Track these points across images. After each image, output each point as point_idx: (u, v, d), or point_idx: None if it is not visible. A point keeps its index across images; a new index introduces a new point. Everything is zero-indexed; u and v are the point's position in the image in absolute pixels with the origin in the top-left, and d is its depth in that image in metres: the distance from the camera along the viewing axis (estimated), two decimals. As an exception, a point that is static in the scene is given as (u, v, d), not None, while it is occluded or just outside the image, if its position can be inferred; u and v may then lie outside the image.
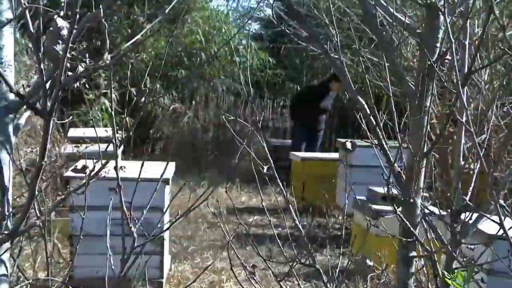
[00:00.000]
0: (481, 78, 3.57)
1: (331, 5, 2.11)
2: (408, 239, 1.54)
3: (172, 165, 3.94)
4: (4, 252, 1.28)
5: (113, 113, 1.44)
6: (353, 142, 1.89)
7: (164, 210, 3.40)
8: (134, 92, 8.82)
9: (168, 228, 1.70)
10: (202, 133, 10.25)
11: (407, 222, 1.51)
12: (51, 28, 1.14)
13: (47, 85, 1.38)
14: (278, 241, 2.13)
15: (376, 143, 1.70)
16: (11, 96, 1.24)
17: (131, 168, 3.79)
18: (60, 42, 1.12)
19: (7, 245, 1.25)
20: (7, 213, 1.22)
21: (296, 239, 4.77)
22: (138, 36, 1.31)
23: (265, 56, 11.51)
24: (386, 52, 1.68)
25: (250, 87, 2.51)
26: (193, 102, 10.92)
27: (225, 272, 4.39)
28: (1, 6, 1.23)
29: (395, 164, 1.62)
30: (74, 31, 1.06)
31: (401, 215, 1.60)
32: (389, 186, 1.67)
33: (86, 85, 7.89)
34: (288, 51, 11.75)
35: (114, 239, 3.20)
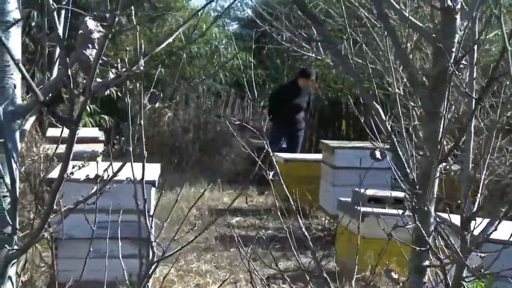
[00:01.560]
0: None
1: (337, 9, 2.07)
2: (422, 248, 1.52)
3: (157, 166, 3.88)
4: (11, 266, 1.21)
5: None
6: (382, 151, 1.85)
7: (152, 213, 3.33)
8: (114, 92, 8.70)
9: (185, 246, 1.64)
10: (182, 133, 10.16)
11: (422, 231, 1.48)
12: (80, 31, 1.08)
13: (41, 91, 1.32)
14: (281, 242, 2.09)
15: (390, 148, 1.67)
16: (18, 101, 1.18)
17: (114, 169, 3.72)
18: (90, 46, 1.06)
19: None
20: (18, 226, 1.15)
21: (281, 241, 4.72)
22: (170, 40, 1.24)
23: (246, 56, 11.48)
24: (401, 56, 1.65)
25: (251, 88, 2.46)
26: (173, 102, 10.83)
27: (210, 275, 4.34)
28: (8, 5, 1.16)
29: (409, 171, 1.60)
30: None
31: (407, 222, 1.58)
32: (405, 194, 1.65)
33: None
34: (269, 52, 11.74)
35: (99, 243, 3.13)
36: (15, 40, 1.02)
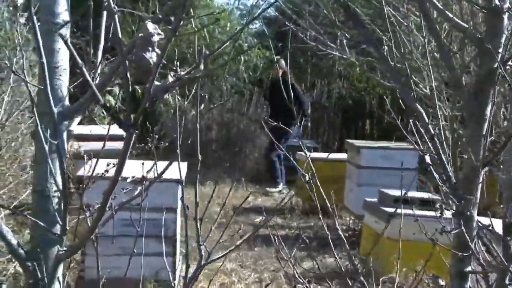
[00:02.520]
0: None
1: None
2: (464, 253, 1.50)
3: (184, 165, 3.90)
4: (58, 268, 1.23)
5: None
6: (432, 155, 1.81)
7: (178, 211, 3.37)
8: (139, 90, 8.77)
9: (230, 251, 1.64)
10: (206, 131, 10.20)
11: (467, 236, 1.46)
12: (141, 34, 1.08)
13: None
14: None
15: (434, 152, 1.64)
16: (66, 103, 1.19)
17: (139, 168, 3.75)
18: (150, 49, 1.06)
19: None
20: (68, 228, 1.17)
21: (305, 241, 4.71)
22: (227, 43, 1.24)
23: (269, 54, 11.46)
24: (445, 57, 1.62)
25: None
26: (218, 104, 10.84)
27: (235, 274, 4.35)
28: (58, 7, 1.18)
29: (451, 175, 1.58)
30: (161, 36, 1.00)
31: (445, 226, 1.56)
32: (442, 197, 1.63)
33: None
34: (293, 50, 11.70)
35: (125, 240, 3.16)
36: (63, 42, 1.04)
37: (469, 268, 1.57)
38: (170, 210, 3.30)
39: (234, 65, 11.06)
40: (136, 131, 1.05)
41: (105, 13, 1.27)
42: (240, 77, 11.30)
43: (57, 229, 1.22)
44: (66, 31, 1.18)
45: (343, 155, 6.78)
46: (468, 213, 1.53)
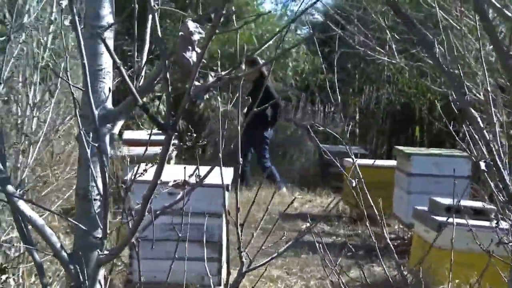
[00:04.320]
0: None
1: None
2: None
3: (230, 170, 3.90)
4: (99, 272, 1.24)
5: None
6: (487, 162, 1.72)
7: (223, 216, 3.36)
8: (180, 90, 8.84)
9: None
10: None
11: None
12: (181, 33, 1.07)
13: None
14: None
15: (489, 159, 1.58)
16: (109, 105, 1.20)
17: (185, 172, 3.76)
18: (190, 48, 1.05)
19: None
20: (108, 231, 1.17)
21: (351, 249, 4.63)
22: (264, 46, 1.21)
23: (317, 60, 11.39)
24: (503, 59, 1.54)
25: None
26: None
27: (281, 281, 4.31)
28: (103, 10, 1.19)
29: (509, 183, 1.50)
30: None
31: (503, 237, 1.48)
32: (498, 207, 1.55)
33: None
34: (340, 56, 11.59)
35: (170, 244, 3.17)
36: (108, 44, 1.04)
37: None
38: (215, 215, 3.30)
39: (281, 70, 11.05)
40: (176, 133, 1.03)
41: (150, 16, 1.27)
42: (287, 82, 11.27)
43: (98, 232, 1.23)
44: (110, 34, 1.18)
45: (391, 162, 6.64)
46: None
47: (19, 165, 3.25)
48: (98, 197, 1.17)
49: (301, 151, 9.63)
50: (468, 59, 4.81)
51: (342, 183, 6.95)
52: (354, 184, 1.78)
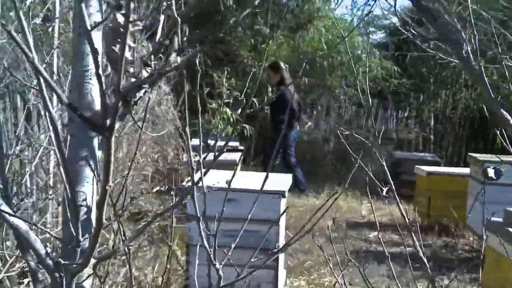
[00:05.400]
0: None
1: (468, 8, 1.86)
2: None
3: (289, 177, 3.83)
4: (85, 279, 1.21)
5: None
6: (497, 168, 1.60)
7: (279, 223, 3.30)
8: (256, 102, 8.87)
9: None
10: (322, 143, 10.07)
11: None
12: (110, 25, 1.03)
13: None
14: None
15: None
16: (97, 108, 1.16)
17: (249, 179, 3.74)
18: (120, 41, 1.00)
19: (88, 270, 1.18)
20: (81, 239, 1.13)
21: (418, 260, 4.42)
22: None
23: (390, 65, 11.10)
24: None
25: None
26: (314, 112, 10.80)
27: (343, 291, 4.18)
28: (89, 8, 1.16)
29: None
30: (136, 27, 0.94)
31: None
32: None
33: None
34: (414, 60, 11.23)
35: (227, 251, 3.13)
36: (96, 43, 1.00)
37: None
38: (272, 222, 3.24)
39: (352, 76, 10.86)
40: (112, 135, 0.97)
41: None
42: (358, 88, 11.04)
43: (86, 243, 1.18)
44: (98, 33, 1.14)
45: (466, 170, 6.33)
46: None
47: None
48: (84, 202, 1.14)
49: (372, 159, 9.40)
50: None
51: (413, 191, 6.70)
52: (384, 192, 1.67)
